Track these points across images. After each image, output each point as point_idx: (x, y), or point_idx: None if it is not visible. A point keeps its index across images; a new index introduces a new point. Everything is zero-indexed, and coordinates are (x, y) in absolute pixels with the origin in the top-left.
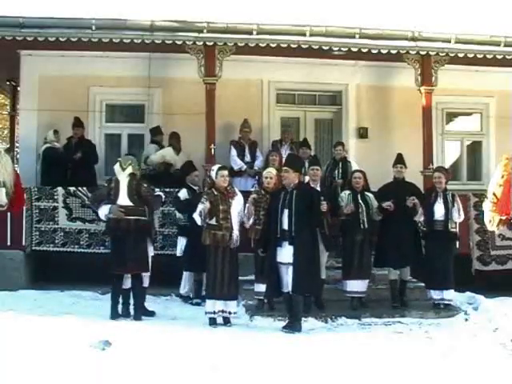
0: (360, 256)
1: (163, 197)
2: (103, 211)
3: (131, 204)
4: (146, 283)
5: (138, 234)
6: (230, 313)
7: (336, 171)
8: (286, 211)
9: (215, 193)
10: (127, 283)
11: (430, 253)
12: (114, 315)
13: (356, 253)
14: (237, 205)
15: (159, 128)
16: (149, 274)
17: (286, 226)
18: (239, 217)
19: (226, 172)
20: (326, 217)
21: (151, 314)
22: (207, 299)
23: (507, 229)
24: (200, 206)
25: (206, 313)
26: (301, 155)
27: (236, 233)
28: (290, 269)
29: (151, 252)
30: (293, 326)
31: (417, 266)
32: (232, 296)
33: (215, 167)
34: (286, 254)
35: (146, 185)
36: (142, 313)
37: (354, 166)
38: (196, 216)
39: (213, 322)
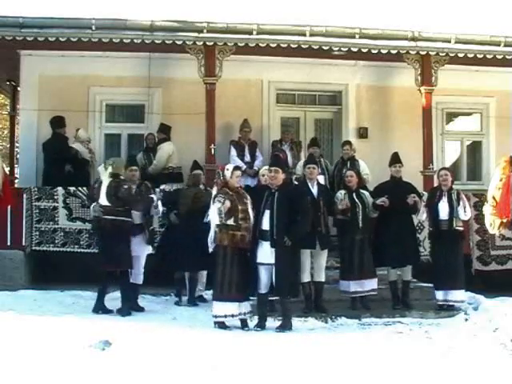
0: (360, 255)
1: (155, 199)
2: (90, 210)
3: (108, 204)
4: (137, 280)
5: (116, 233)
6: (245, 313)
7: (344, 170)
8: (267, 212)
9: (230, 192)
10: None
11: (436, 253)
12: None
13: (356, 252)
14: (250, 205)
15: (168, 128)
16: (136, 271)
17: (266, 227)
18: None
19: (239, 172)
20: (323, 214)
21: (141, 309)
22: (215, 302)
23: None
24: (217, 205)
25: (214, 316)
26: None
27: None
28: (270, 269)
29: (146, 251)
30: (284, 326)
31: (417, 263)
32: (245, 297)
33: (230, 167)
34: (264, 254)
35: (126, 186)
36: (128, 308)
37: (362, 165)
38: (214, 215)
39: (221, 327)
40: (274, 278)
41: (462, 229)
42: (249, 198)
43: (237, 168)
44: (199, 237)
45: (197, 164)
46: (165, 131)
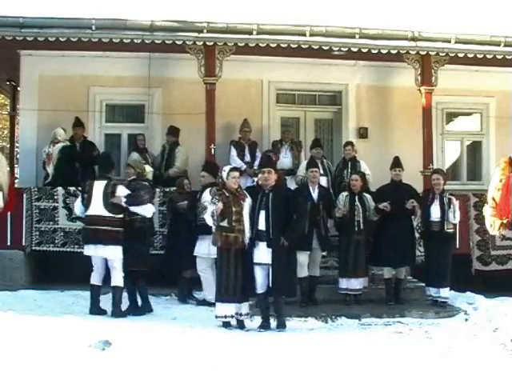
0: (355, 255)
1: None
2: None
3: None
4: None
5: None
6: (241, 314)
7: (345, 171)
8: (262, 212)
9: (226, 194)
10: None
11: (427, 252)
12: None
13: (351, 252)
14: (248, 207)
15: (177, 130)
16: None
17: (262, 227)
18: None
19: (236, 173)
20: (323, 217)
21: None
22: (217, 302)
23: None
24: (211, 207)
25: (216, 317)
26: (314, 155)
27: (248, 235)
28: (266, 269)
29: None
30: (278, 324)
31: (413, 265)
32: (244, 298)
33: (227, 168)
34: (261, 254)
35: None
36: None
37: (363, 166)
38: (208, 217)
39: (227, 325)
40: (271, 278)
41: (452, 231)
42: (248, 199)
43: (234, 169)
44: (178, 238)
45: (208, 164)
46: (174, 134)
